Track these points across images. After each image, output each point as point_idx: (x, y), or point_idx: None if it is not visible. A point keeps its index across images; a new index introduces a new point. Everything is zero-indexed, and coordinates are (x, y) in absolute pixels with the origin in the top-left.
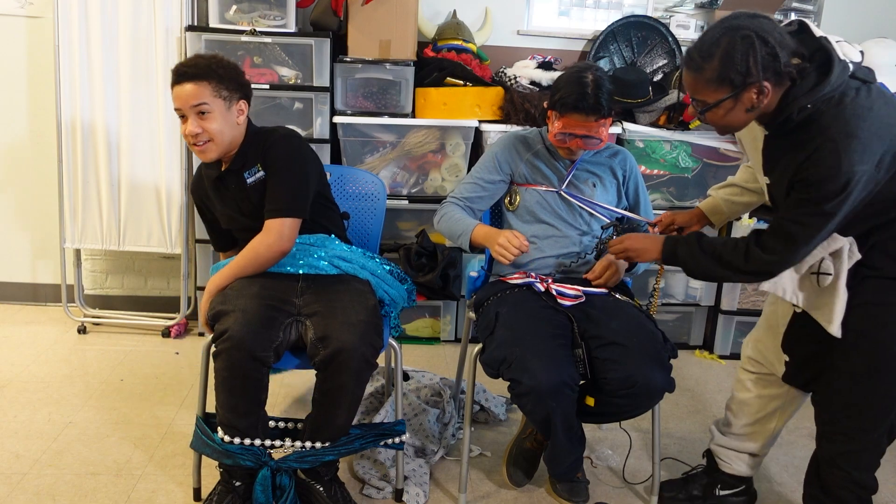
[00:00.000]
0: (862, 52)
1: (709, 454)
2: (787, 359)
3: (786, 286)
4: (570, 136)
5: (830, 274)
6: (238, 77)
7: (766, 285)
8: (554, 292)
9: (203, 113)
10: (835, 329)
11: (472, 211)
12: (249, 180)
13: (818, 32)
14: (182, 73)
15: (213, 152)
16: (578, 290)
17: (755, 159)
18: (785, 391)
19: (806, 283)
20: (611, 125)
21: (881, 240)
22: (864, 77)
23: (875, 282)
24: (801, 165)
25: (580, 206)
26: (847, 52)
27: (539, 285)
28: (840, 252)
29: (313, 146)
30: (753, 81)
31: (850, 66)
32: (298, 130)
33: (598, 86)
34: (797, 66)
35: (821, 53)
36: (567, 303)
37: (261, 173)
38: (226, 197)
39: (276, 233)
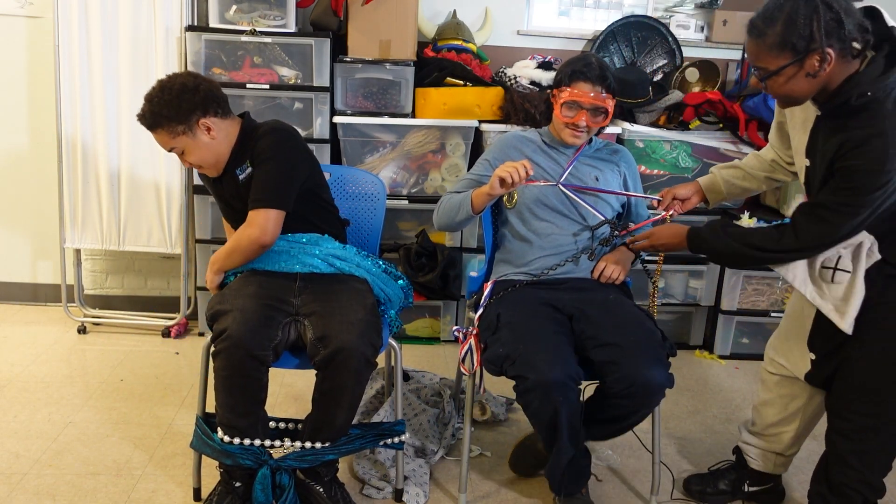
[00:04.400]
0: None
1: (738, 451)
2: (813, 357)
3: (797, 273)
4: (578, 105)
5: (848, 272)
6: (182, 103)
7: (779, 269)
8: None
9: (182, 153)
10: (846, 326)
11: None
12: (241, 177)
13: (890, 21)
14: (143, 124)
15: (212, 170)
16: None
17: (800, 140)
18: (807, 393)
19: (818, 277)
20: (614, 107)
21: None
22: None
23: None
24: (845, 153)
25: (580, 201)
26: None
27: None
28: (860, 249)
29: (313, 146)
30: (816, 48)
31: None
32: (298, 130)
33: (602, 64)
34: (863, 42)
35: (890, 44)
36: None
37: (250, 169)
38: (224, 193)
39: (257, 225)
